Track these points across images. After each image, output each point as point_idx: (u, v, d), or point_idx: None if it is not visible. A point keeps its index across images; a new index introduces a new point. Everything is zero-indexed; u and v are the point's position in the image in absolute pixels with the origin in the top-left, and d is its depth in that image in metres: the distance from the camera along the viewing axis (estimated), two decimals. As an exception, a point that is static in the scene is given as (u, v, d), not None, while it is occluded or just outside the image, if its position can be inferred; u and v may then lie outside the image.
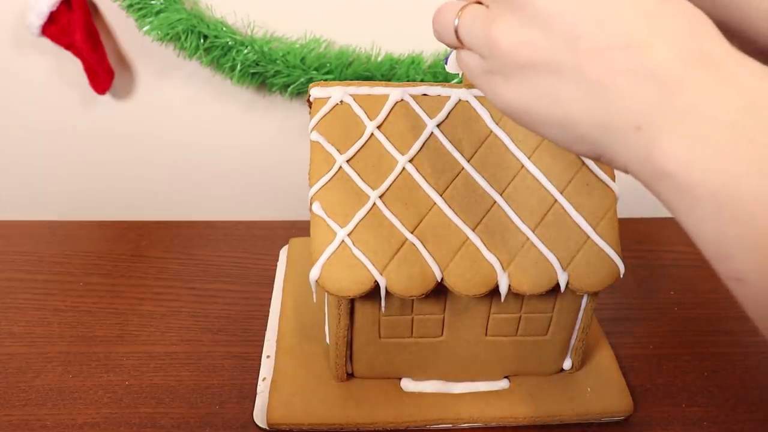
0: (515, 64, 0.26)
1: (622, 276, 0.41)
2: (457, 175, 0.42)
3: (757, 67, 0.23)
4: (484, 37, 0.27)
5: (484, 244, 0.40)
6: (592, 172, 0.42)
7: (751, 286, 0.22)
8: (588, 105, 0.24)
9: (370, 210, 0.40)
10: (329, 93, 0.43)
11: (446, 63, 0.43)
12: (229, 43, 0.61)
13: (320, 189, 0.41)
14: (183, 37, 0.60)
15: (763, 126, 0.21)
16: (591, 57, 0.24)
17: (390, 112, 0.43)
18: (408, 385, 0.47)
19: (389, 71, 0.64)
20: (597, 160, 0.26)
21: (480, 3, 0.28)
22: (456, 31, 0.29)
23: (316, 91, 0.44)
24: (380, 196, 0.41)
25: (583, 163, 0.42)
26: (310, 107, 0.44)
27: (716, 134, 0.21)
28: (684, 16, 0.24)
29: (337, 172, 0.41)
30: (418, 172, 0.41)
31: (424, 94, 0.43)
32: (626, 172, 0.25)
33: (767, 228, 0.21)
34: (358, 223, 0.40)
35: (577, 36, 0.24)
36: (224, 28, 0.61)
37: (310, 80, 0.63)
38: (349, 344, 0.45)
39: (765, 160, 0.21)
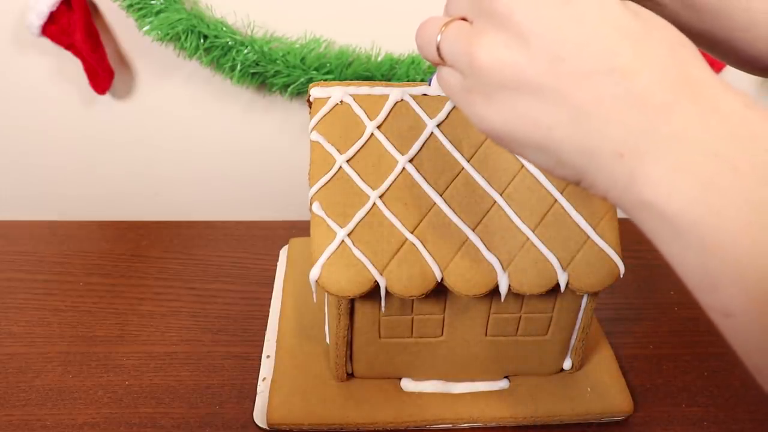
0: (496, 84, 0.25)
1: (622, 276, 0.41)
2: (457, 175, 0.42)
3: (742, 95, 0.22)
4: (466, 55, 0.26)
5: (484, 244, 0.40)
6: (592, 172, 0.42)
7: (737, 320, 0.21)
8: (569, 129, 0.24)
9: (370, 210, 0.40)
10: (329, 93, 0.43)
11: (429, 83, 0.43)
12: (229, 43, 0.61)
13: (320, 189, 0.41)
14: (183, 37, 0.60)
15: (748, 156, 0.21)
16: (574, 80, 0.23)
17: (390, 112, 0.43)
18: (408, 385, 0.47)
19: (389, 71, 0.64)
20: (577, 184, 0.26)
21: (465, 20, 0.27)
22: (438, 48, 0.28)
23: (316, 91, 0.44)
24: (380, 196, 0.41)
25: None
26: (310, 107, 0.44)
27: (700, 164, 0.21)
28: (669, 40, 0.23)
29: (337, 172, 0.41)
30: (418, 172, 0.41)
31: (424, 94, 0.43)
32: (605, 198, 0.24)
33: (752, 261, 0.20)
34: (358, 223, 0.40)
35: (560, 58, 0.23)
36: (224, 28, 0.61)
37: (310, 80, 0.63)
38: (349, 344, 0.45)
39: (749, 192, 0.20)
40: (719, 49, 0.37)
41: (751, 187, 0.21)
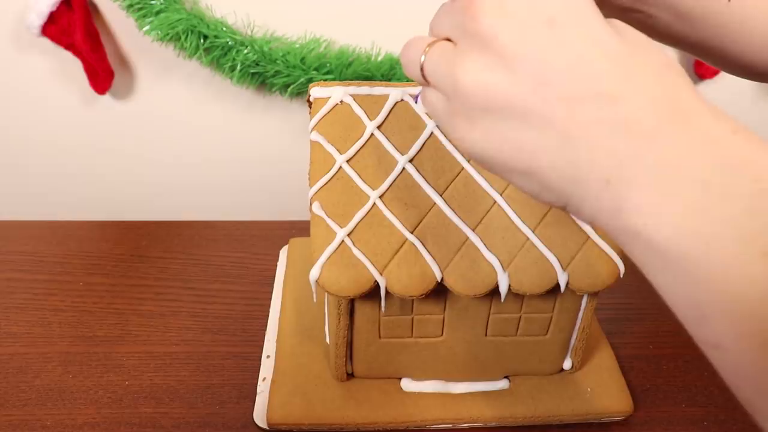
0: (479, 108, 0.24)
1: (622, 276, 0.41)
2: (457, 175, 0.42)
3: (729, 120, 0.22)
4: (449, 76, 0.25)
5: (484, 244, 0.40)
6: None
7: (727, 353, 0.21)
8: (555, 155, 0.23)
9: (370, 210, 0.40)
10: (329, 93, 0.43)
11: (416, 101, 0.43)
12: (229, 43, 0.61)
13: (320, 189, 0.41)
14: (183, 37, 0.60)
15: (736, 185, 0.20)
16: (560, 105, 0.22)
17: (390, 112, 0.43)
18: (408, 385, 0.47)
19: (389, 71, 0.64)
20: (563, 209, 0.25)
21: (450, 40, 0.26)
22: (422, 68, 0.27)
23: (316, 91, 0.44)
24: (380, 196, 0.41)
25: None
26: (310, 107, 0.44)
27: (689, 192, 0.21)
28: (656, 63, 0.23)
29: (337, 172, 0.41)
30: (418, 172, 0.41)
31: (424, 94, 0.43)
32: (592, 224, 0.24)
33: (742, 293, 0.20)
34: (358, 223, 0.40)
35: (545, 82, 0.22)
36: (224, 28, 0.61)
37: (310, 80, 0.63)
38: (349, 344, 0.45)
39: (738, 221, 0.20)
40: (713, 56, 0.37)
41: (740, 217, 0.20)
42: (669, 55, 0.24)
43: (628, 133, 0.22)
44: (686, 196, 0.21)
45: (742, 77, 0.38)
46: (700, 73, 0.70)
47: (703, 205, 0.20)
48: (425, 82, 0.27)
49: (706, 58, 0.37)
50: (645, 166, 0.21)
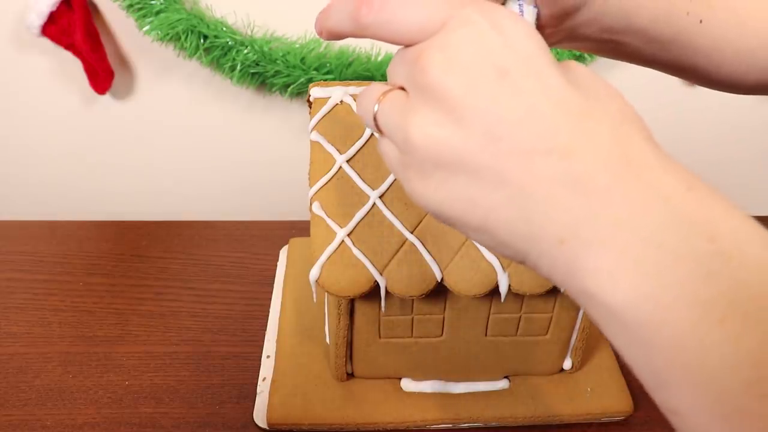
0: (430, 163, 0.23)
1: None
2: (457, 175, 0.42)
3: (686, 175, 0.21)
4: (401, 130, 0.24)
5: (484, 244, 0.40)
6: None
7: (686, 420, 0.20)
8: (508, 212, 0.22)
9: (370, 210, 0.40)
10: (329, 93, 0.43)
11: None
12: (229, 43, 0.61)
13: (320, 189, 0.41)
14: (183, 37, 0.60)
15: (691, 247, 0.20)
16: (511, 160, 0.21)
17: (390, 112, 0.43)
18: (408, 385, 0.47)
19: (389, 71, 0.64)
20: (522, 263, 0.24)
21: (404, 89, 0.25)
22: (375, 119, 0.26)
23: (316, 91, 0.44)
24: (380, 196, 0.41)
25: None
26: (310, 107, 0.44)
27: (644, 255, 0.20)
28: (612, 115, 0.22)
29: (337, 172, 0.41)
30: (418, 172, 0.41)
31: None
32: (550, 281, 0.23)
33: (700, 362, 0.19)
34: (358, 223, 0.40)
35: (496, 136, 0.21)
36: (224, 28, 0.61)
37: (310, 80, 0.63)
38: (349, 344, 0.45)
39: (694, 286, 0.19)
40: (686, 73, 0.37)
41: (696, 281, 0.19)
42: (626, 102, 0.23)
43: (581, 191, 0.21)
44: (640, 259, 0.20)
45: (717, 90, 0.38)
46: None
47: (657, 268, 0.20)
48: (380, 132, 0.26)
49: (680, 75, 0.37)
50: (599, 226, 0.20)
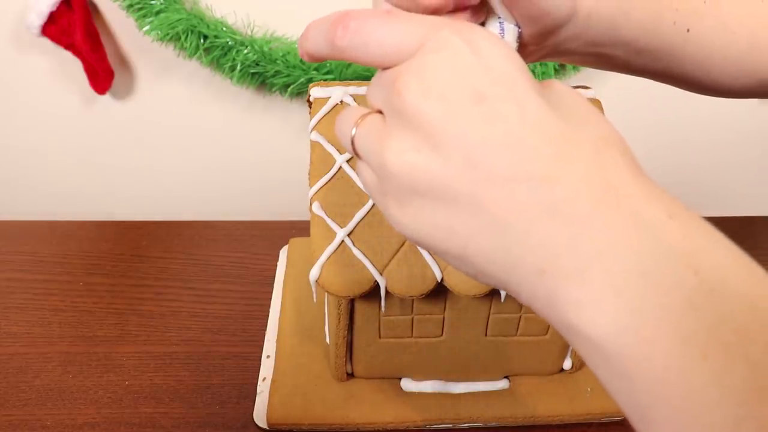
0: (407, 189, 0.22)
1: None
2: (457, 175, 0.42)
3: (668, 201, 0.21)
4: (377, 155, 0.23)
5: (484, 244, 0.40)
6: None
7: None
8: (487, 241, 0.21)
9: (370, 210, 0.40)
10: (329, 93, 0.43)
11: None
12: (229, 43, 0.61)
13: (320, 189, 0.41)
14: (183, 37, 0.60)
15: (673, 277, 0.19)
16: (490, 188, 0.21)
17: (390, 112, 0.43)
18: (408, 385, 0.47)
19: (389, 71, 0.64)
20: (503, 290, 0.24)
21: (381, 113, 0.24)
22: (353, 143, 0.25)
23: (316, 91, 0.44)
24: (380, 196, 0.41)
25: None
26: (310, 107, 0.44)
27: (625, 286, 0.19)
28: (592, 140, 0.21)
29: (337, 172, 0.41)
30: (418, 172, 0.41)
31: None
32: (532, 310, 0.23)
33: (683, 399, 0.18)
34: (358, 223, 0.40)
35: (474, 163, 0.21)
36: (224, 28, 0.61)
37: (310, 80, 0.63)
38: (349, 344, 0.45)
39: (678, 318, 0.19)
40: (676, 81, 0.37)
41: (679, 313, 0.19)
42: (608, 124, 0.23)
43: (561, 219, 0.20)
44: (621, 290, 0.19)
45: (708, 95, 0.38)
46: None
47: (639, 300, 0.19)
48: (357, 156, 0.25)
49: (669, 82, 0.37)
50: (579, 256, 0.20)
